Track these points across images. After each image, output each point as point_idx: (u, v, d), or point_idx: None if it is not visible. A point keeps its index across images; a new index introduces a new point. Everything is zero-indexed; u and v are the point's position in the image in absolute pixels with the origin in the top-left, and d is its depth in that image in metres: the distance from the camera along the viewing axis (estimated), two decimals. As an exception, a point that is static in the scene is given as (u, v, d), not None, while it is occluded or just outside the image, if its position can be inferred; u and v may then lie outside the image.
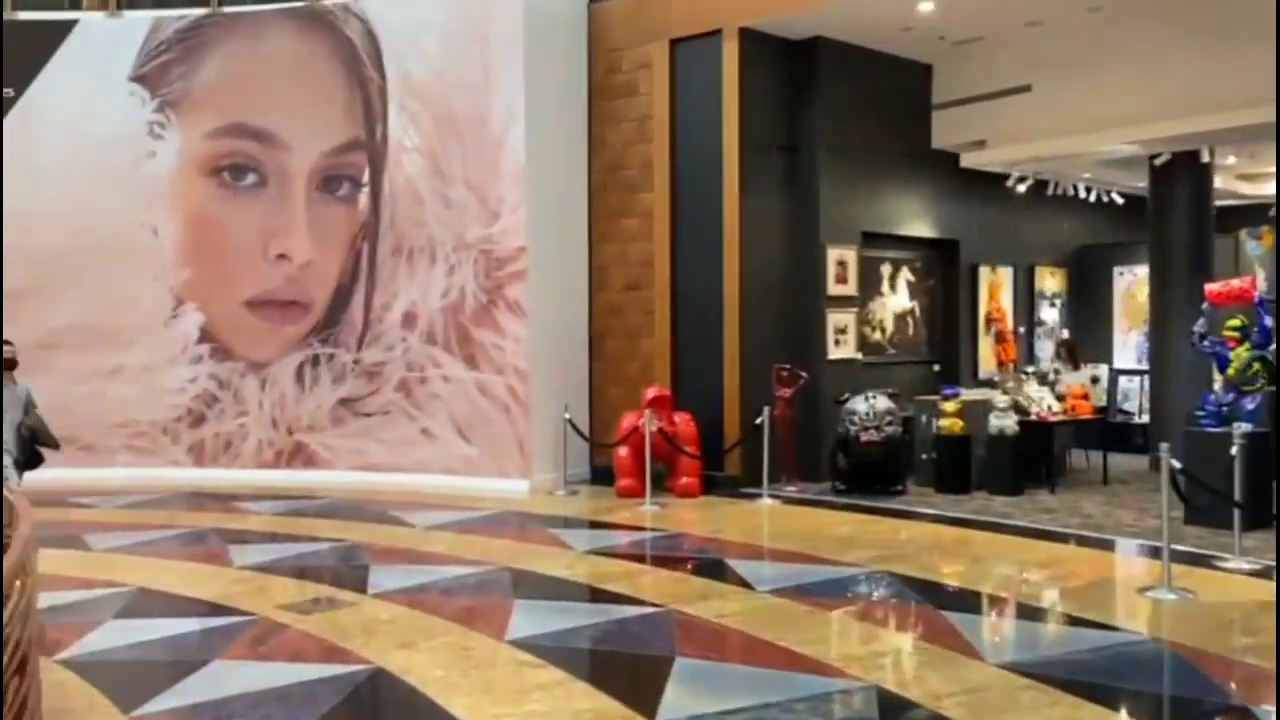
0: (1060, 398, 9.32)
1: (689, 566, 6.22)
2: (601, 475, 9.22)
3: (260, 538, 7.01)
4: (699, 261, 9.13)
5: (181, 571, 6.00)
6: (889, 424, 8.51)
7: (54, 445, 7.14)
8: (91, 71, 9.92)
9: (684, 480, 8.57)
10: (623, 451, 8.60)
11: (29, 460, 6.97)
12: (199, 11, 9.98)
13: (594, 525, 7.55)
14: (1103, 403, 10.46)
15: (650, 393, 8.59)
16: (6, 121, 9.89)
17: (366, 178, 9.70)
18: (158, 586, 5.63)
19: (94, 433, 9.87)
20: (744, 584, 5.64)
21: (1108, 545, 6.72)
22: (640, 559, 6.44)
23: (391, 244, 9.57)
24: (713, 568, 6.14)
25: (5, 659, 2.45)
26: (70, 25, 10.02)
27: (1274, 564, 5.71)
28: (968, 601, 5.45)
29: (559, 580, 5.75)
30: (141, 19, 10.02)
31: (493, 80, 9.15)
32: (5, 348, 7.07)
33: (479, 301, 9.20)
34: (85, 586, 5.57)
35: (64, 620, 4.83)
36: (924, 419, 9.06)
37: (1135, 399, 11.12)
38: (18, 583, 2.60)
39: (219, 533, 7.17)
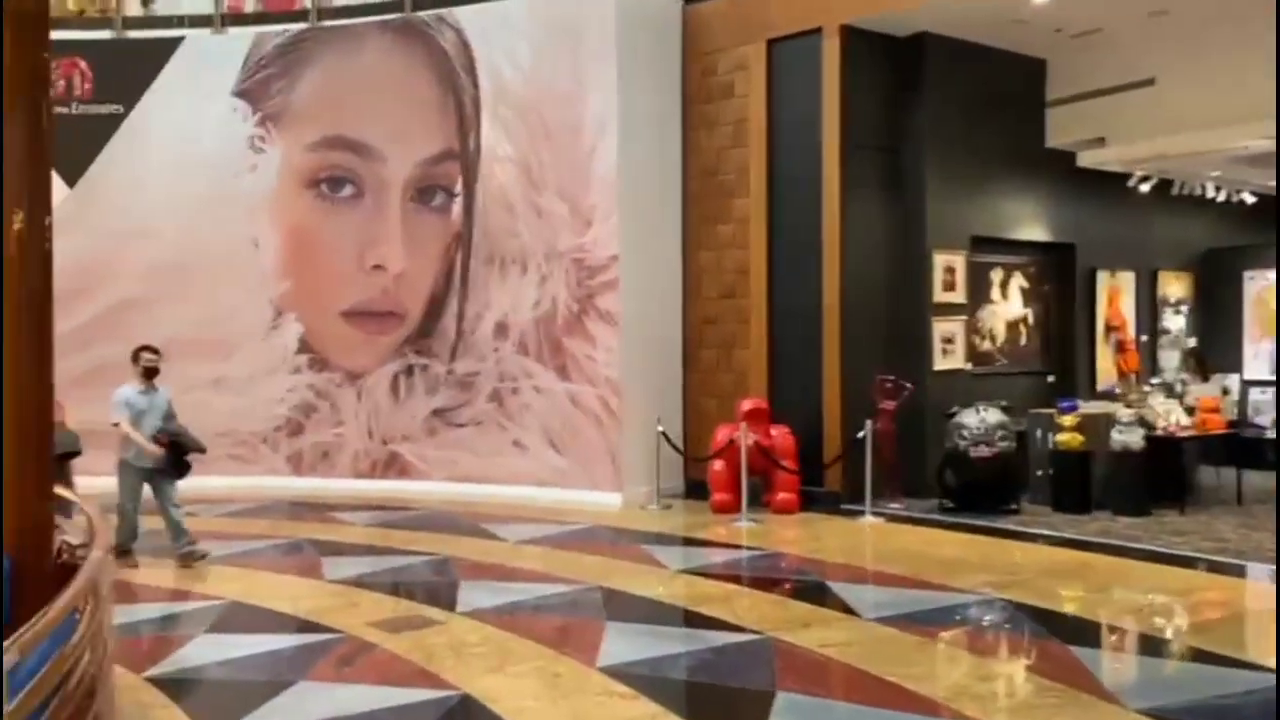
0: (1189, 411, 8.68)
1: (788, 589, 5.91)
2: (695, 489, 8.97)
3: (354, 550, 6.97)
4: (797, 268, 8.81)
5: (275, 584, 5.98)
6: (1001, 439, 8.03)
7: (199, 449, 7.05)
8: (196, 88, 10.15)
9: (781, 496, 8.25)
10: (717, 465, 8.33)
11: (176, 467, 6.89)
12: (299, 26, 10.13)
13: (688, 542, 7.30)
14: (1233, 416, 9.73)
15: (746, 405, 8.30)
16: (116, 138, 10.20)
17: (459, 187, 9.67)
18: (251, 600, 5.61)
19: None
20: (848, 610, 5.32)
21: (1246, 572, 6.16)
22: (736, 579, 6.16)
23: (484, 254, 9.51)
24: (814, 591, 5.82)
25: (71, 684, 2.34)
26: (176, 43, 10.28)
27: None
28: (1095, 634, 5.02)
29: (652, 602, 5.51)
30: (244, 35, 10.22)
31: (585, 86, 9.01)
32: (149, 355, 7.12)
33: (571, 311, 9.06)
34: (182, 599, 5.58)
35: (158, 633, 4.81)
36: (1039, 433, 8.54)
37: (1268, 412, 10.32)
38: (89, 606, 2.49)
39: (314, 544, 7.16)
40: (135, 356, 7.17)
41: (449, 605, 5.40)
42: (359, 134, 9.86)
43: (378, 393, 9.85)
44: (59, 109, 10.19)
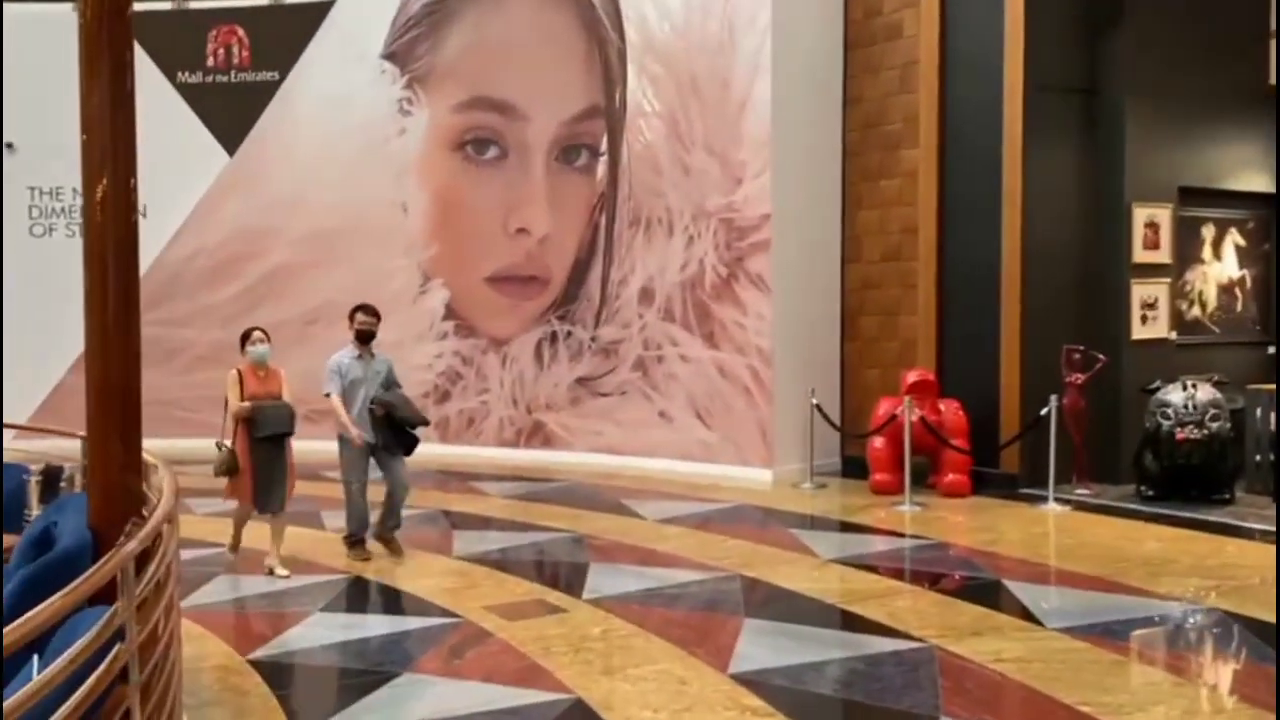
0: None
1: (957, 587, 5.18)
2: (853, 468, 8.27)
3: (487, 523, 6.71)
4: (972, 226, 7.91)
5: (402, 560, 5.73)
6: (1213, 419, 6.94)
7: (421, 421, 6.02)
8: (347, 52, 10.11)
9: (950, 478, 7.44)
10: (878, 442, 7.60)
11: (400, 441, 5.83)
12: (444, -15, 9.90)
13: (843, 527, 6.65)
14: None
15: (911, 376, 7.53)
16: (272, 105, 10.30)
17: (604, 146, 9.23)
18: (373, 575, 5.38)
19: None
20: (1028, 616, 4.58)
21: None
22: (897, 573, 5.48)
23: (629, 215, 9.05)
24: (987, 591, 5.08)
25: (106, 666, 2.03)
26: (328, 7, 10.25)
27: None
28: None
29: (799, 596, 4.93)
30: (392, -3, 10.09)
31: (736, 35, 8.35)
32: (364, 318, 6.33)
33: (719, 275, 8.48)
34: (306, 571, 5.41)
35: (270, 609, 4.63)
36: (1259, 413, 7.37)
37: None
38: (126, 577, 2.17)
39: (449, 515, 6.94)
40: (350, 318, 6.38)
41: (575, 590, 5.00)
42: (503, 93, 9.57)
43: (522, 360, 9.60)
44: (219, 77, 10.40)
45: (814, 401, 8.00)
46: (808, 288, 8.48)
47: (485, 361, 9.74)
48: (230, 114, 10.38)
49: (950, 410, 7.54)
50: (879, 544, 6.12)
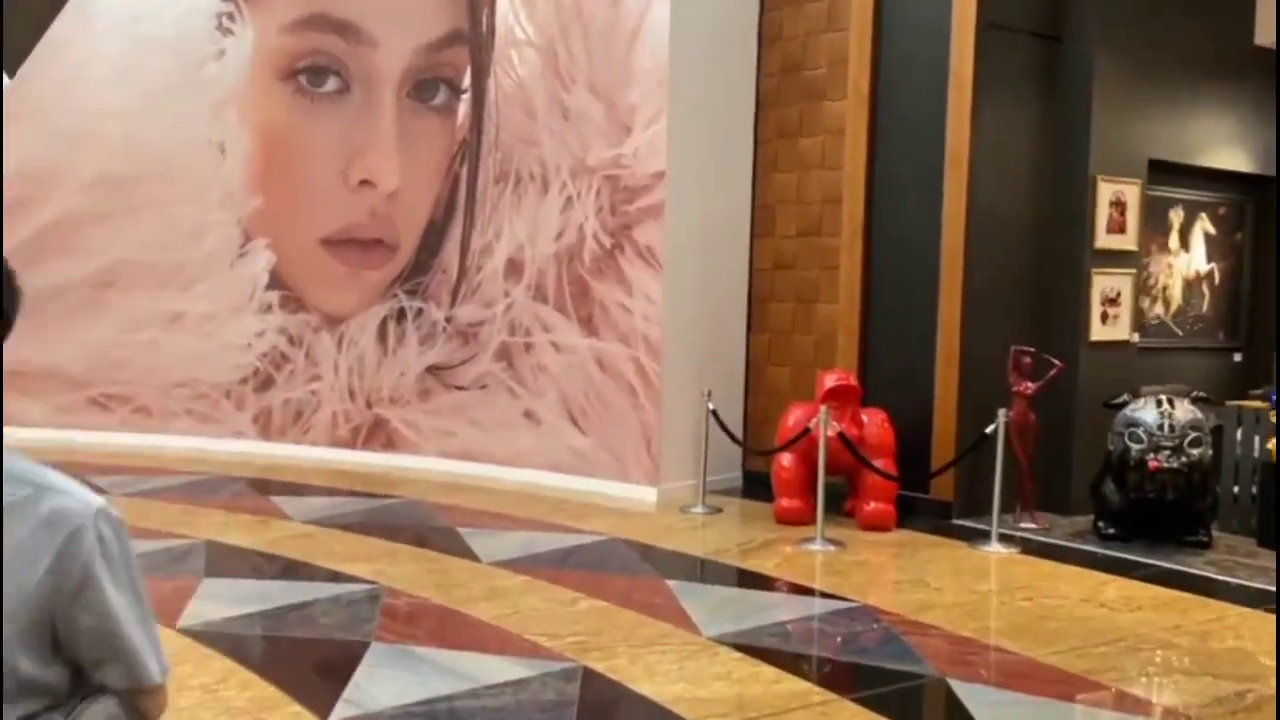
0: None
1: (887, 693, 3.69)
2: (756, 486, 6.80)
3: (253, 566, 4.99)
4: (908, 197, 6.47)
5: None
6: (1193, 444, 5.62)
7: None
8: (152, -48, 8.16)
9: (871, 506, 6.01)
10: (786, 460, 6.13)
11: None
12: (278, -125, 8.01)
13: (737, 578, 5.14)
14: None
15: (830, 380, 6.05)
16: (63, 17, 8.27)
17: (468, 81, 7.51)
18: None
19: (152, 393, 8.24)
20: (989, 751, 3.12)
21: None
22: (802, 666, 3.94)
23: (494, 168, 7.36)
24: (933, 702, 3.63)
25: None
26: (130, -105, 8.26)
27: None
28: None
29: (660, 714, 3.38)
30: (211, -115, 8.15)
31: (631, -55, 6.73)
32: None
33: (601, 246, 6.88)
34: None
35: None
36: (1239, 436, 6.12)
37: None
38: None
39: (208, 552, 5.18)
40: None
41: (323, 699, 3.35)
42: (346, 11, 7.74)
43: (362, 342, 7.85)
44: (-8, -22, 8.29)
45: (710, 406, 6.48)
46: (707, 265, 6.94)
47: (317, 342, 7.96)
48: (11, 25, 8.30)
49: (874, 423, 6.10)
50: (781, 608, 4.60)
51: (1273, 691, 3.61)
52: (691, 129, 6.74)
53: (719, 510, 6.43)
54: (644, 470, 6.70)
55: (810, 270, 6.87)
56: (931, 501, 6.28)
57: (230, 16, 8.02)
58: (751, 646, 3.96)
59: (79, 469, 7.06)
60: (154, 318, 8.22)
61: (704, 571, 5.24)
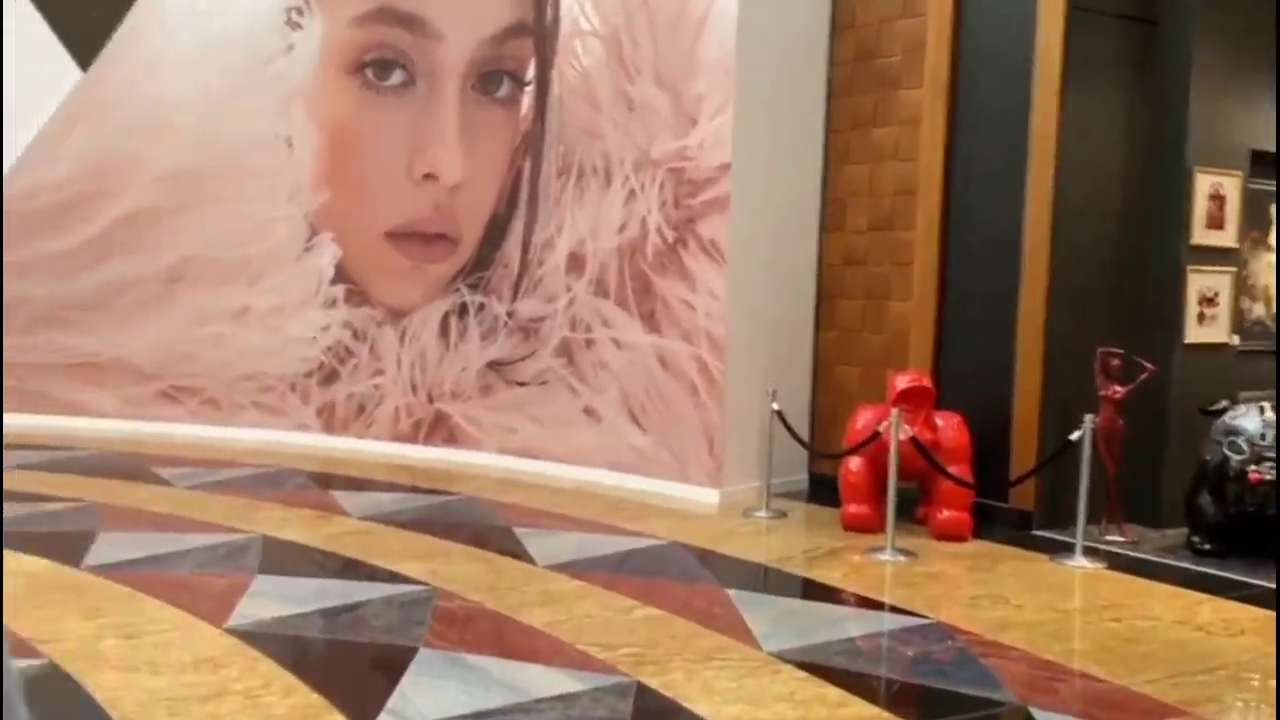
0: None
1: None
2: (822, 490, 6.56)
3: (307, 563, 4.92)
4: (988, 189, 6.16)
5: (97, 626, 3.94)
6: (1298, 456, 5.23)
7: None
8: (224, -53, 8.21)
9: (946, 514, 5.72)
10: (855, 464, 5.87)
11: None
12: None
13: (802, 589, 4.92)
14: None
15: (902, 382, 5.78)
16: (136, 11, 8.38)
17: (531, 73, 7.39)
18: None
19: (219, 385, 8.31)
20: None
21: None
22: (870, 688, 3.71)
23: (558, 161, 7.23)
24: (1005, 725, 3.38)
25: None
26: (203, -109, 8.32)
27: None
28: None
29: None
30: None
31: (699, -69, 6.52)
32: None
33: (664, 240, 6.69)
34: None
35: None
36: (1348, 448, 5.68)
37: None
38: None
39: (269, 545, 5.14)
40: None
41: (368, 707, 3.24)
42: (412, 4, 7.68)
43: (424, 336, 7.80)
44: (70, -25, 8.45)
45: (775, 406, 6.25)
46: (774, 260, 6.71)
47: (380, 336, 7.93)
48: (86, 18, 8.46)
49: (949, 426, 5.81)
50: (848, 623, 4.37)
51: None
52: (758, 120, 6.51)
53: (783, 515, 6.21)
54: (705, 471, 6.51)
55: (882, 266, 6.60)
56: (1010, 511, 5.96)
57: (299, 11, 8.03)
58: (816, 665, 3.74)
59: (147, 460, 7.16)
60: (222, 311, 8.28)
61: (766, 580, 5.03)
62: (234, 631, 3.83)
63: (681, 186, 6.60)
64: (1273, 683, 3.77)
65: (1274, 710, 3.55)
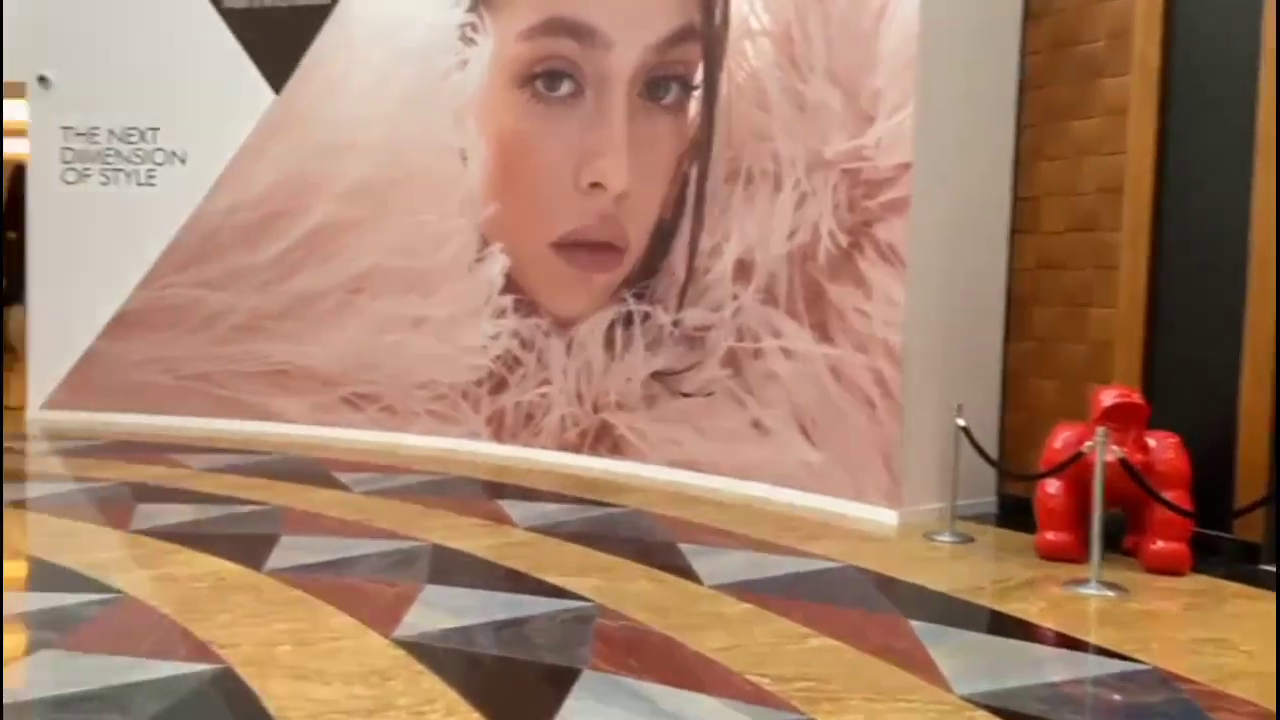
0: None
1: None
2: (1014, 514, 6.07)
3: (474, 574, 4.89)
4: (1207, 186, 5.53)
5: (272, 632, 3.98)
6: None
7: None
8: (403, -32, 8.48)
9: (1159, 545, 5.14)
10: (1053, 487, 5.37)
11: None
12: (519, -118, 8.08)
13: (991, 623, 4.50)
14: None
15: (1109, 397, 5.24)
16: (323, 35, 8.77)
17: (699, 77, 7.22)
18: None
19: (396, 393, 8.56)
20: None
21: None
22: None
23: (725, 166, 7.03)
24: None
25: None
26: (384, -85, 8.63)
27: None
28: None
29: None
30: (457, -102, 8.35)
31: (877, -81, 6.19)
32: None
33: (838, 245, 6.37)
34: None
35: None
36: None
37: None
38: None
39: (438, 554, 5.15)
40: None
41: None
42: (582, 13, 7.68)
43: (590, 346, 7.75)
44: (266, 1, 8.95)
45: (960, 422, 5.81)
46: (959, 265, 6.27)
47: (548, 346, 7.95)
48: (279, 44, 8.92)
49: (1164, 448, 5.22)
50: (1048, 665, 3.94)
51: None
52: (943, 115, 6.10)
53: (970, 539, 5.76)
54: (882, 490, 6.13)
55: (1083, 270, 6.04)
56: (1235, 543, 5.31)
57: (473, 27, 8.18)
58: (1014, 713, 3.35)
59: (329, 465, 7.42)
60: (400, 321, 8.53)
61: (953, 612, 4.63)
62: (401, 642, 3.80)
63: (857, 188, 6.26)
64: None
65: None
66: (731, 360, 6.95)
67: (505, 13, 8.07)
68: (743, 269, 6.90)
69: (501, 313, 8.13)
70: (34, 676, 3.38)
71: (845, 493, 6.29)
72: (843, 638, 4.03)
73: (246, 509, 5.94)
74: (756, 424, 6.81)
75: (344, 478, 6.98)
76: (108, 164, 9.29)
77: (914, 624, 4.27)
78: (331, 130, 8.71)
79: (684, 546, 5.42)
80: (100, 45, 9.20)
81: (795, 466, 6.57)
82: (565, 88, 7.78)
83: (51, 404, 9.35)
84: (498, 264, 8.15)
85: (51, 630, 3.85)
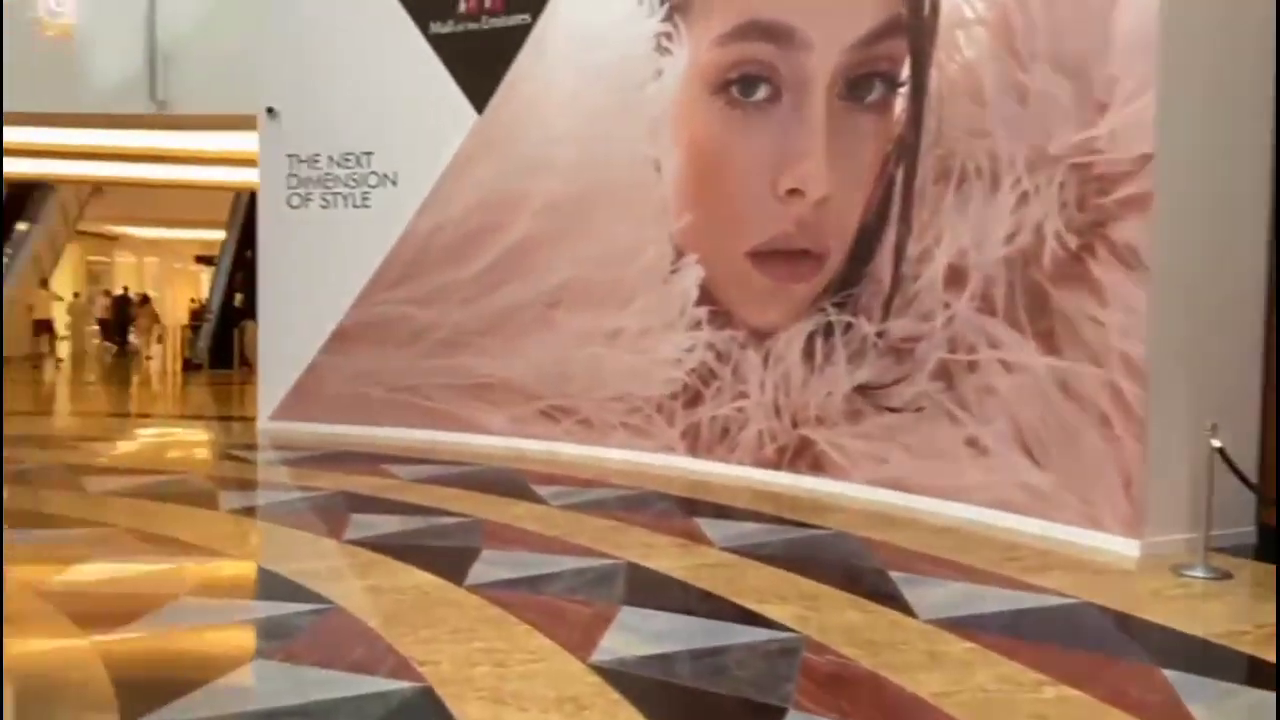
0: None
1: None
2: (1277, 545, 5.30)
3: (671, 596, 4.71)
4: None
5: (470, 650, 3.90)
6: None
7: None
8: (599, -18, 8.52)
9: None
10: (1330, 520, 4.64)
11: None
12: (714, -114, 7.93)
13: (1250, 673, 3.89)
14: None
15: (1403, 418, 4.47)
16: (522, 54, 8.95)
17: (905, 73, 6.81)
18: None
19: (592, 406, 8.58)
20: None
21: None
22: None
23: (935, 166, 6.58)
24: None
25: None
26: (582, -69, 8.70)
27: None
28: None
29: None
30: (652, -92, 8.30)
31: (1108, -113, 5.61)
32: None
33: (1066, 248, 5.80)
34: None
35: None
36: None
37: None
38: None
39: (634, 573, 5.02)
40: None
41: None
42: (779, 14, 7.44)
43: (788, 358, 7.46)
44: (470, 25, 9.24)
45: (1215, 443, 5.13)
46: (1209, 268, 5.57)
47: (744, 359, 7.72)
48: (481, 65, 9.18)
49: None
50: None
51: None
52: (1188, 100, 5.45)
53: (1227, 575, 5.07)
54: (1121, 517, 5.51)
55: (1366, 270, 5.23)
56: None
57: (669, 36, 8.10)
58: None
59: (528, 477, 7.48)
60: (595, 334, 8.54)
61: (1211, 660, 4.05)
62: (597, 668, 3.67)
63: (1088, 185, 5.68)
64: None
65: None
66: (943, 373, 6.48)
67: (700, 19, 7.94)
68: (955, 275, 6.42)
69: (696, 325, 7.97)
70: (248, 686, 3.47)
71: (1076, 519, 5.70)
72: (1084, 687, 3.58)
73: (450, 520, 6.04)
74: (972, 442, 6.32)
75: (542, 490, 7.02)
76: (327, 188, 9.84)
77: (1167, 673, 3.75)
78: (530, 147, 8.87)
79: (894, 574, 5.04)
80: (321, 77, 9.78)
81: (1016, 489, 6.03)
82: (761, 92, 7.55)
83: (277, 415, 9.98)
84: (692, 275, 8.01)
85: (268, 640, 3.98)
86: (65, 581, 4.66)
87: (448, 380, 9.34)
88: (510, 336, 8.98)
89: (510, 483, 7.28)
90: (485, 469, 7.87)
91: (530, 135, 8.89)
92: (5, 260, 19.38)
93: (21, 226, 20.39)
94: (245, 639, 4.01)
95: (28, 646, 3.79)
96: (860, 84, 7.04)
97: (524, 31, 8.96)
